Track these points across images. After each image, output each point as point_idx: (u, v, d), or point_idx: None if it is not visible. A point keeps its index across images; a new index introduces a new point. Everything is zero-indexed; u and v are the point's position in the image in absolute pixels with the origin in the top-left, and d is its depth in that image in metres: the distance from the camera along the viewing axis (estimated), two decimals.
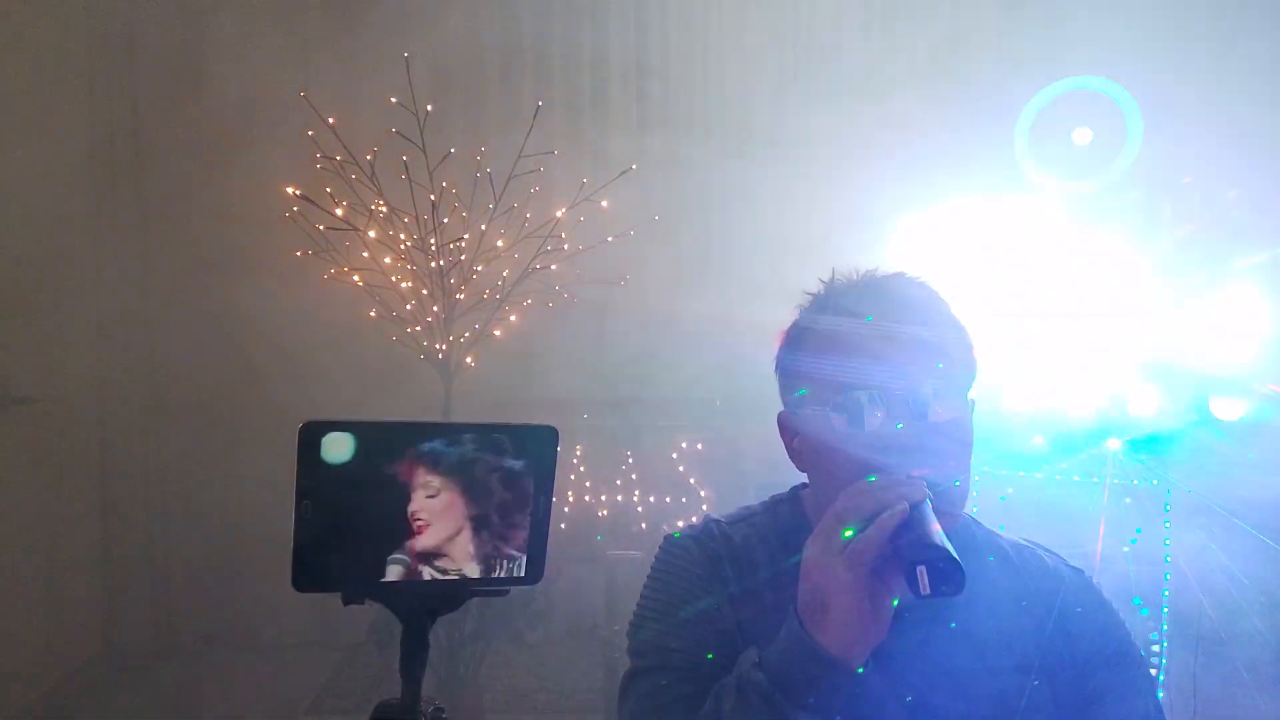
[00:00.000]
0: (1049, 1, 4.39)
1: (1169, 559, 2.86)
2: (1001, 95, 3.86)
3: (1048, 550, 1.17)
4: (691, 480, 4.08)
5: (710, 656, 1.03)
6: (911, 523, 0.87)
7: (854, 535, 0.88)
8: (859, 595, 0.87)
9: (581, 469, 4.04)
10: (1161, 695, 2.80)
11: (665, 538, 1.17)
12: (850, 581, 0.87)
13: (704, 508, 4.01)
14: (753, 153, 4.63)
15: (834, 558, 0.88)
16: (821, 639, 0.88)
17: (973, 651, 1.02)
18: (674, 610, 1.08)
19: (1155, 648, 2.87)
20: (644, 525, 3.96)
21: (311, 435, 0.78)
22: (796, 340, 1.11)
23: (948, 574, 0.83)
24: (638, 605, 1.13)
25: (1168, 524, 2.85)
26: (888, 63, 4.59)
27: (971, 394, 1.07)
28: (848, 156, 4.25)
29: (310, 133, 3.29)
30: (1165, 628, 2.87)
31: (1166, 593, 2.86)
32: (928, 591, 0.83)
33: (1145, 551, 2.89)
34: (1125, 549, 2.90)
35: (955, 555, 0.84)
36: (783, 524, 1.13)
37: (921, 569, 0.83)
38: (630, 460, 4.07)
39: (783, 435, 1.14)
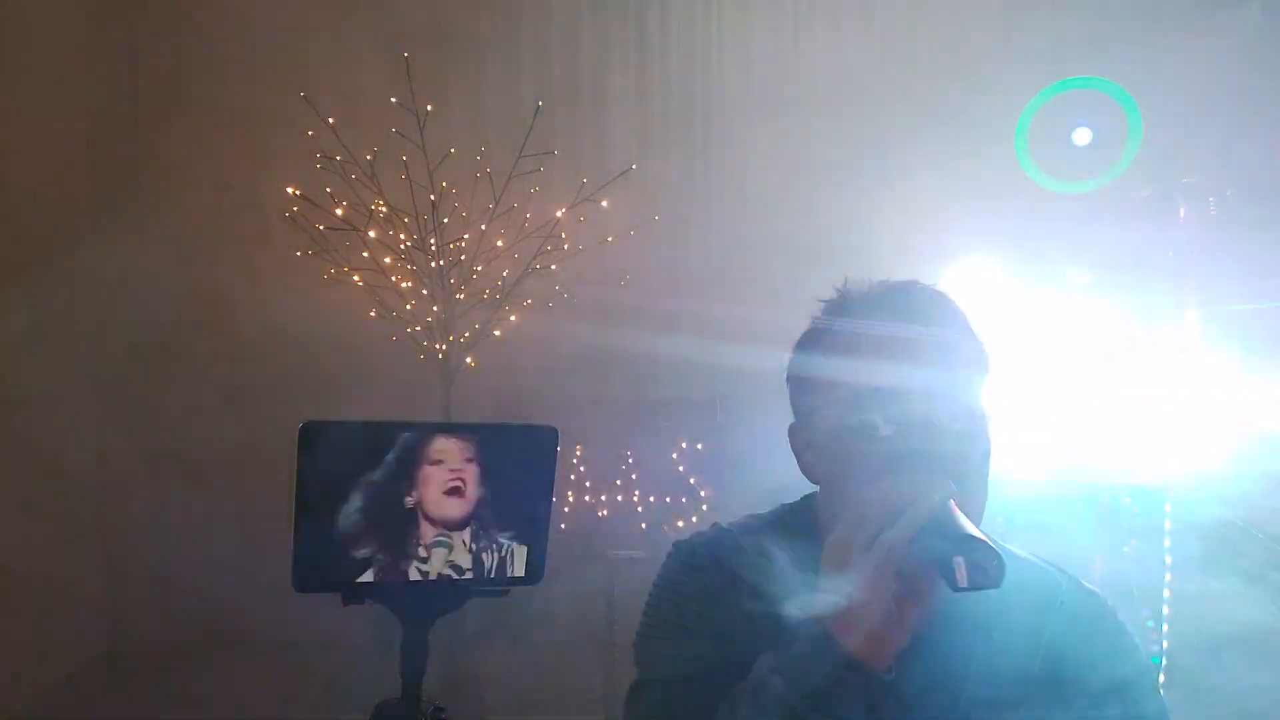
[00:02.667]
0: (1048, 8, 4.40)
1: (1169, 559, 2.86)
2: (1002, 100, 3.86)
3: (1060, 569, 1.14)
4: (691, 480, 4.08)
5: (720, 668, 1.00)
6: (939, 518, 0.83)
7: (879, 533, 0.85)
8: (886, 596, 0.83)
9: (581, 469, 4.04)
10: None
11: (674, 544, 1.14)
12: (876, 580, 0.83)
13: (704, 508, 4.01)
14: (754, 152, 4.63)
15: (858, 555, 0.85)
16: (845, 642, 0.84)
17: (982, 678, 1.00)
18: (683, 620, 1.05)
19: (1155, 648, 2.87)
20: (644, 525, 3.96)
21: (311, 435, 0.78)
22: (809, 349, 1.09)
23: (986, 566, 0.78)
24: (645, 613, 1.10)
25: (1168, 524, 2.85)
26: (888, 63, 4.59)
27: (988, 406, 1.04)
28: (849, 157, 4.26)
29: (310, 133, 3.29)
30: (1165, 628, 2.87)
31: (1167, 594, 2.86)
32: (964, 584, 0.78)
33: (1145, 552, 2.89)
34: (1126, 549, 2.90)
35: (993, 545, 0.79)
36: (794, 535, 1.09)
37: (959, 560, 0.79)
38: (630, 460, 4.07)
39: (794, 447, 1.11)
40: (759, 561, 1.07)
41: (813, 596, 0.90)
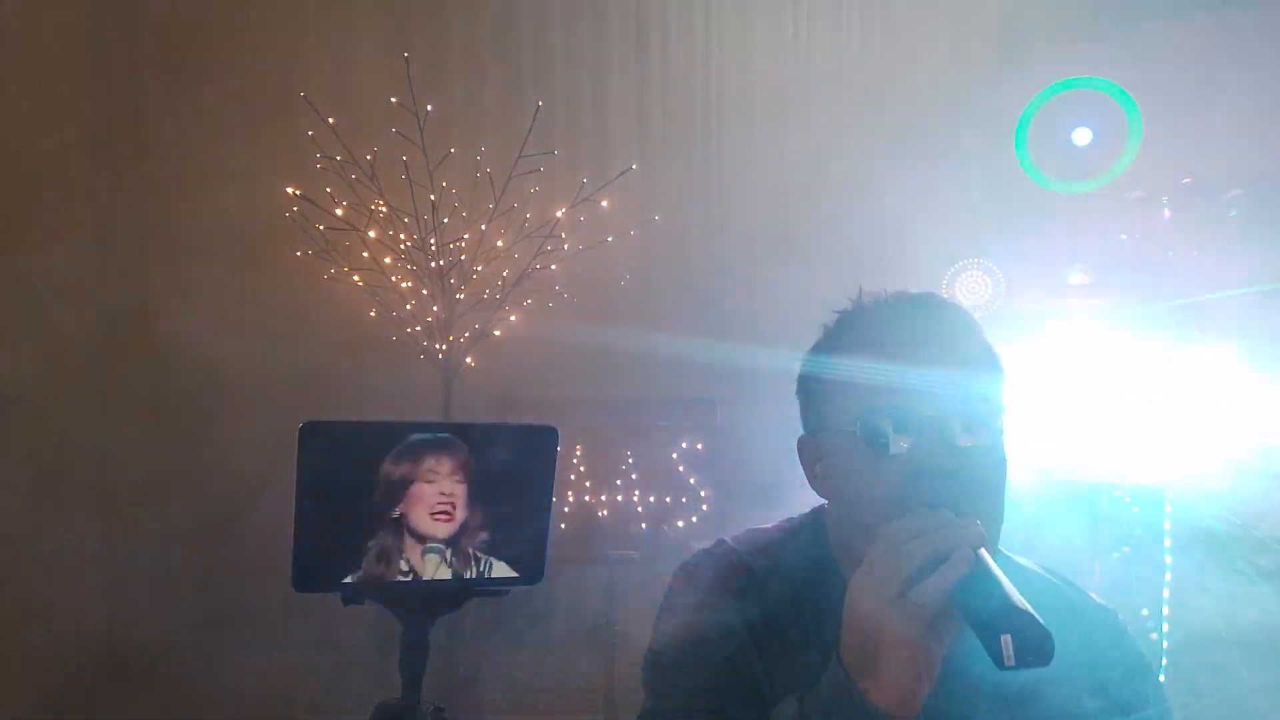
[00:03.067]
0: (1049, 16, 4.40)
1: (1169, 559, 2.86)
2: (1001, 99, 3.86)
3: (1074, 587, 1.12)
4: (691, 480, 4.08)
5: (733, 698, 0.99)
6: (978, 575, 0.79)
7: (910, 582, 0.81)
8: (915, 646, 0.80)
9: (581, 469, 4.04)
10: None
11: (680, 565, 1.12)
12: (906, 633, 0.80)
13: (704, 508, 4.01)
14: (754, 152, 4.63)
15: (888, 607, 0.80)
16: (871, 691, 0.81)
17: (1000, 699, 0.99)
18: (694, 647, 1.02)
19: (1155, 649, 2.87)
20: (644, 525, 3.96)
21: (311, 435, 0.78)
22: (821, 360, 1.06)
23: (1035, 643, 0.74)
24: (653, 638, 1.07)
25: (1168, 524, 2.85)
26: (888, 62, 4.59)
27: (1004, 422, 1.01)
28: (849, 157, 4.26)
29: (310, 133, 3.29)
30: (1165, 628, 2.87)
31: (1166, 594, 2.86)
32: (1012, 663, 0.74)
33: (1145, 553, 2.89)
34: (1126, 549, 2.90)
35: (1042, 622, 0.75)
36: (805, 555, 1.07)
37: (1007, 638, 0.74)
38: (630, 460, 4.07)
39: (803, 460, 1.09)
40: (769, 586, 1.05)
41: (832, 639, 0.87)
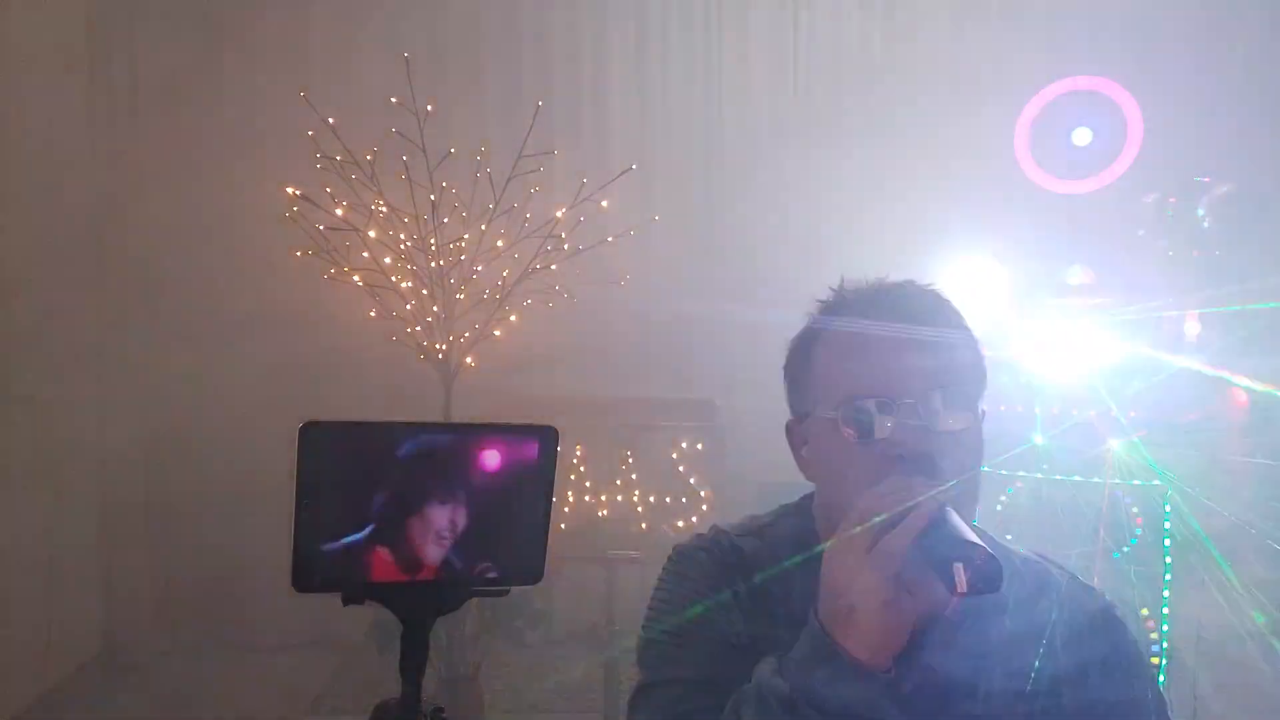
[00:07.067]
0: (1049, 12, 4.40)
1: (1169, 559, 2.86)
2: (1003, 99, 3.86)
3: (1058, 565, 1.14)
4: (691, 480, 4.08)
5: (723, 669, 1.01)
6: (939, 523, 0.85)
7: (879, 536, 0.86)
8: (885, 598, 0.85)
9: (581, 469, 4.05)
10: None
11: (674, 548, 1.16)
12: (876, 584, 0.85)
13: (704, 508, 4.01)
14: (753, 152, 4.63)
15: (859, 560, 0.86)
16: (845, 644, 0.86)
17: (981, 674, 1.01)
18: (685, 622, 1.06)
19: (1155, 648, 2.87)
20: (644, 525, 3.96)
21: (311, 436, 0.78)
22: (804, 347, 1.10)
23: (985, 571, 0.80)
24: (646, 617, 1.11)
25: (1168, 524, 2.85)
26: (888, 61, 4.60)
27: (982, 405, 1.05)
28: (850, 156, 4.26)
29: (310, 133, 3.29)
30: (1165, 628, 2.87)
31: (1167, 593, 2.86)
32: (964, 590, 0.80)
33: (1145, 552, 2.89)
34: (1126, 549, 2.90)
35: (992, 551, 0.81)
36: (793, 536, 1.11)
37: (959, 566, 0.81)
38: (630, 460, 4.07)
39: (790, 444, 1.13)
40: (757, 564, 1.09)
41: (812, 600, 0.91)
